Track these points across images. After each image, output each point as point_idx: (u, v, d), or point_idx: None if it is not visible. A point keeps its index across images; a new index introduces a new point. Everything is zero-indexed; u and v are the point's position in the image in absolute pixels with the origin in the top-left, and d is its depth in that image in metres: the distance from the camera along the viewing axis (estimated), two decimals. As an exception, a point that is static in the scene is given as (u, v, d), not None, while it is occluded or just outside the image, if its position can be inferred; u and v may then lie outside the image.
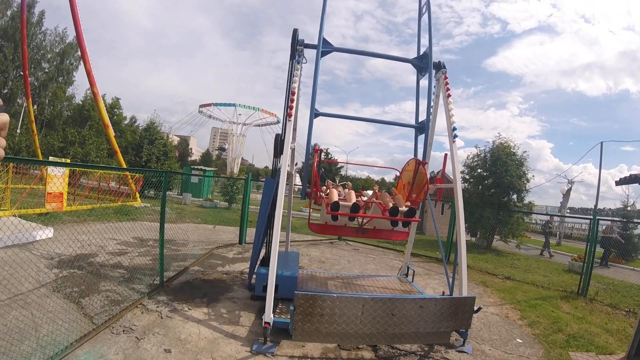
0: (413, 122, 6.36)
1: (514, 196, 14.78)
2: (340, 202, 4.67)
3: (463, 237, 5.15)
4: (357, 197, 5.45)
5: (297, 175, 9.41)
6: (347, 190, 5.77)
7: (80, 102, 41.27)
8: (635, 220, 16.50)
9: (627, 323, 6.42)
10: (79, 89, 44.32)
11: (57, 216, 10.70)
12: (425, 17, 6.41)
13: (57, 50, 41.58)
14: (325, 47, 5.70)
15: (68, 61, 42.14)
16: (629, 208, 17.13)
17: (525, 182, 14.54)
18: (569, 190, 24.28)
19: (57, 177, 11.37)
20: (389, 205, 4.71)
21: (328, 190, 5.43)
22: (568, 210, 26.81)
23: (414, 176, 5.30)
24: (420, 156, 5.90)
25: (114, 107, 39.75)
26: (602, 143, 25.44)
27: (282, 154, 5.25)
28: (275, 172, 6.22)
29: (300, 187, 7.44)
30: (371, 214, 4.90)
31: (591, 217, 8.65)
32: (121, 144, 24.40)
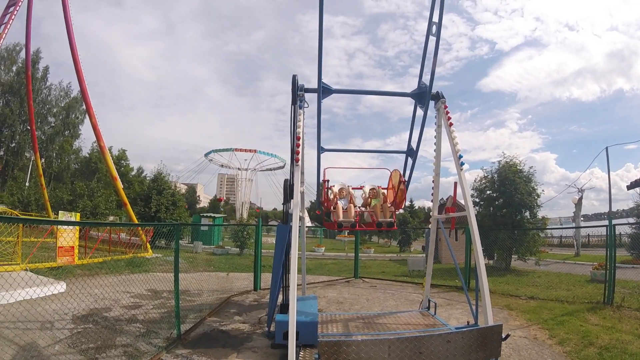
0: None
1: (527, 213, 14.58)
2: (342, 221, 5.93)
3: (482, 264, 5.02)
4: (354, 205, 6.61)
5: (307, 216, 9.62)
6: (348, 195, 6.86)
7: (87, 155, 42.09)
8: None
9: (658, 325, 6.14)
10: (85, 141, 44.79)
11: (69, 270, 10.65)
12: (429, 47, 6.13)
13: (62, 105, 42.53)
14: (325, 91, 5.80)
15: (73, 115, 43.02)
16: None
17: (536, 197, 14.41)
18: (580, 199, 23.99)
19: (67, 231, 11.44)
20: (378, 214, 6.03)
21: (335, 200, 6.52)
22: (582, 219, 26.35)
23: (397, 189, 6.36)
24: (406, 176, 6.70)
25: (120, 158, 40.58)
26: (607, 148, 25.36)
27: (292, 198, 5.27)
28: (286, 216, 6.24)
29: (312, 227, 8.40)
30: (364, 225, 6.18)
31: (607, 223, 8.49)
32: (130, 195, 24.66)
